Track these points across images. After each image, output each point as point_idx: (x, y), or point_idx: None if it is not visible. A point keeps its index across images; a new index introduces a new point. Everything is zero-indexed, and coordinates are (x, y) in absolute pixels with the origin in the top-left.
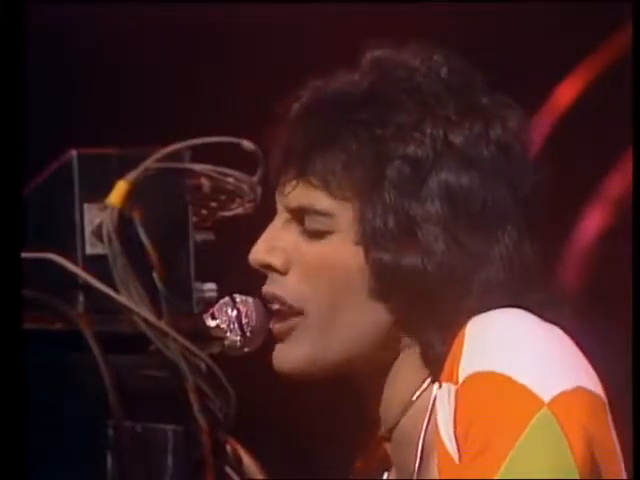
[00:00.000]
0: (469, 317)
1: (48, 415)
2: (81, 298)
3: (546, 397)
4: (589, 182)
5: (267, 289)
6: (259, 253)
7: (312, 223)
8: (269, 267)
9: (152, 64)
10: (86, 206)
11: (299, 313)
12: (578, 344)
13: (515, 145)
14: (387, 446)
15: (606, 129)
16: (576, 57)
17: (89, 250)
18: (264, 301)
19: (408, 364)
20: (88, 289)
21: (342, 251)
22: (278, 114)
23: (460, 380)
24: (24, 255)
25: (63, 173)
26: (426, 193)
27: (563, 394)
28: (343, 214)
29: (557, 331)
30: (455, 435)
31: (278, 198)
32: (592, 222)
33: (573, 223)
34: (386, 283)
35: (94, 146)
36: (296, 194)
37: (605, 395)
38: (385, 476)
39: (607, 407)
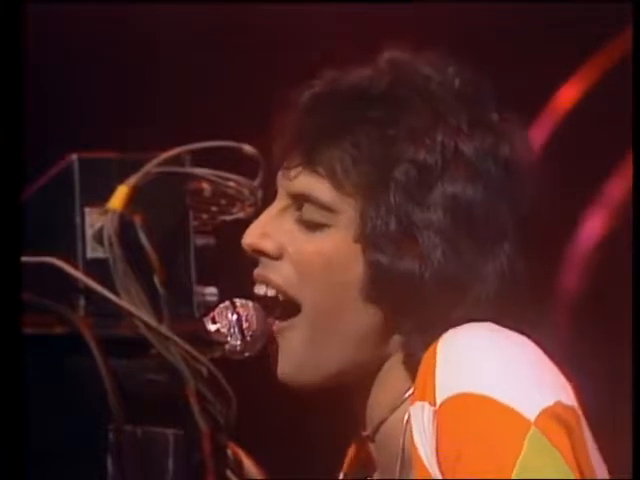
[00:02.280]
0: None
1: (49, 419)
2: (82, 302)
3: (531, 416)
4: (589, 186)
5: (260, 272)
6: (252, 237)
7: (310, 213)
8: (261, 252)
9: (153, 68)
10: (87, 210)
11: (294, 305)
12: (550, 354)
13: (520, 165)
14: (371, 446)
15: (607, 133)
16: (576, 61)
17: (90, 254)
18: (256, 283)
19: (396, 368)
20: (89, 293)
21: (339, 248)
22: (289, 100)
23: (438, 401)
24: (25, 259)
25: (64, 177)
26: (430, 200)
27: (546, 410)
28: (344, 211)
29: (528, 344)
30: (439, 457)
31: (280, 182)
32: (593, 226)
33: (574, 227)
34: (380, 285)
35: (95, 150)
36: (301, 180)
37: (578, 404)
38: (373, 475)
39: (582, 417)
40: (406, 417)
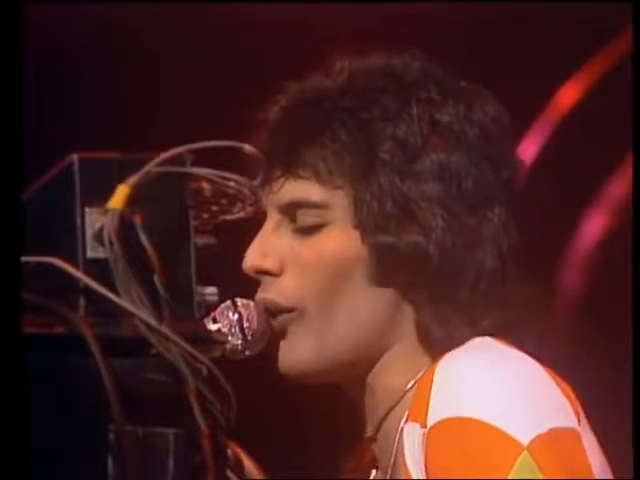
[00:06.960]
0: (460, 306)
1: (49, 419)
2: (82, 302)
3: (524, 441)
4: (590, 186)
5: (260, 295)
6: (252, 259)
7: (306, 218)
8: (264, 272)
9: (153, 67)
10: (87, 210)
11: (294, 310)
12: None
13: (495, 128)
14: (374, 447)
15: (607, 133)
16: (577, 61)
17: (90, 254)
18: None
19: (397, 362)
20: (89, 293)
21: (339, 240)
22: (258, 120)
23: (429, 423)
24: (25, 259)
25: (64, 177)
26: (419, 172)
27: (539, 437)
28: (337, 203)
29: (527, 364)
30: (428, 476)
31: (267, 200)
32: (593, 225)
33: (574, 226)
34: (387, 266)
35: (95, 150)
36: (286, 190)
37: (577, 419)
38: (372, 475)
39: (580, 435)
40: (401, 426)
